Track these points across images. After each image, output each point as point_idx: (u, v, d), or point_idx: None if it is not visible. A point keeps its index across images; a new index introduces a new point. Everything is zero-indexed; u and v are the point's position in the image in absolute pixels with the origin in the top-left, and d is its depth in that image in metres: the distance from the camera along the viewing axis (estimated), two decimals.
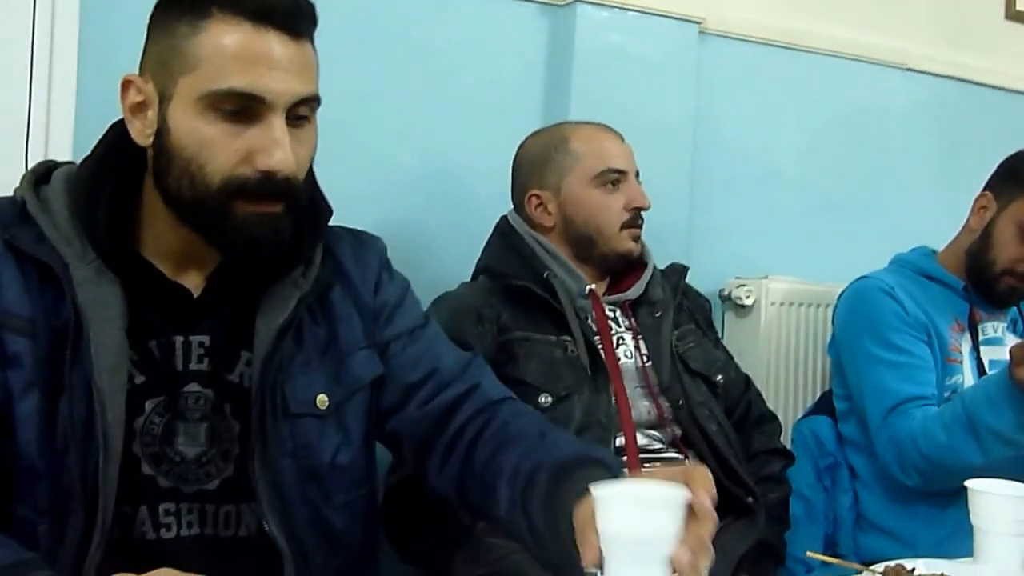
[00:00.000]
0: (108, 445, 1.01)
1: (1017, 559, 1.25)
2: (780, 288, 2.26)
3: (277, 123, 1.01)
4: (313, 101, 1.07)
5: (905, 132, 2.57)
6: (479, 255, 1.72)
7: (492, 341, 1.53)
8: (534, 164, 1.70)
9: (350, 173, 1.80)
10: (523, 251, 1.64)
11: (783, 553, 1.64)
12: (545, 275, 1.59)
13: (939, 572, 1.17)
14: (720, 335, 2.28)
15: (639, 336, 1.63)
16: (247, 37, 1.00)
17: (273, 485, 1.09)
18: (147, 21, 1.07)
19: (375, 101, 1.90)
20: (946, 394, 1.79)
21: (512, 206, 1.75)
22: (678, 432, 1.58)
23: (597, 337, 1.58)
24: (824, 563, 1.35)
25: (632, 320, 1.65)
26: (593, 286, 1.62)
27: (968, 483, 1.29)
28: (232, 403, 1.11)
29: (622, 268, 1.70)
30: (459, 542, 1.36)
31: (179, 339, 1.09)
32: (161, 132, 1.03)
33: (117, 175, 1.07)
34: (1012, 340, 1.91)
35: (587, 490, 0.87)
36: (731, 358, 1.82)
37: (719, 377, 1.69)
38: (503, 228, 1.70)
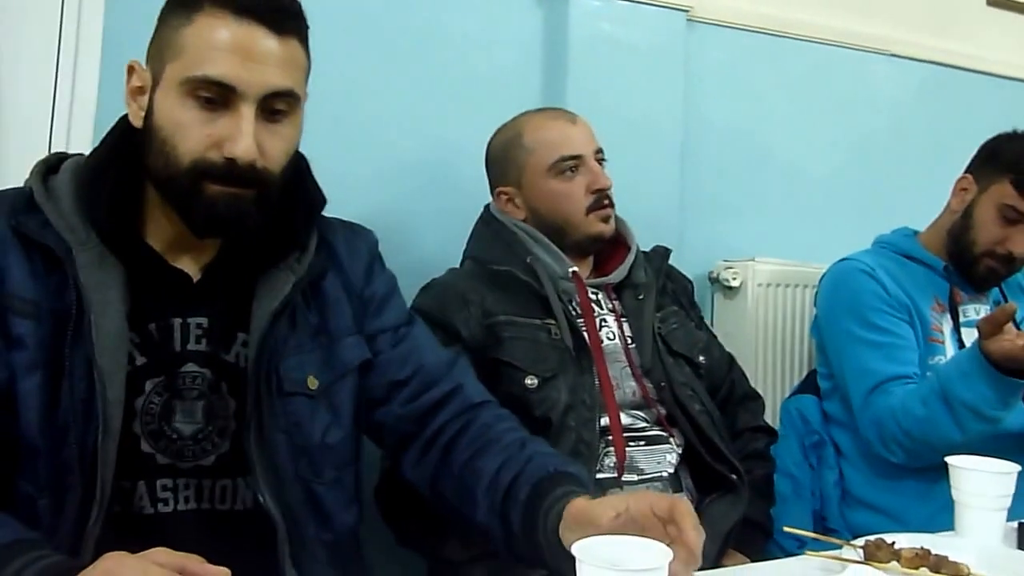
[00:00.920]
0: (107, 423, 1.02)
1: (997, 533, 1.26)
2: (767, 270, 2.26)
3: (246, 113, 1.04)
4: (290, 96, 1.08)
5: (890, 117, 2.56)
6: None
7: (478, 324, 1.52)
8: (496, 162, 1.70)
9: (348, 160, 1.80)
10: (506, 237, 1.63)
11: (770, 527, 1.63)
12: (528, 260, 1.57)
13: (920, 546, 1.16)
14: (710, 316, 2.29)
15: (622, 318, 1.62)
16: (229, 29, 1.03)
17: (268, 460, 1.11)
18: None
19: (372, 90, 1.89)
20: (928, 373, 1.78)
21: None
22: (663, 412, 1.57)
23: (580, 320, 1.56)
24: (813, 538, 1.35)
25: (615, 303, 1.64)
26: (576, 269, 1.60)
27: (949, 459, 1.30)
28: (228, 382, 1.13)
29: (600, 249, 1.69)
30: (452, 525, 1.35)
31: (178, 321, 1.11)
32: (149, 114, 1.07)
33: (121, 163, 1.10)
34: None
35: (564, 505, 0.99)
36: (714, 338, 1.82)
37: (701, 358, 1.68)
38: (486, 216, 1.69)
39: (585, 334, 1.54)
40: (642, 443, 1.53)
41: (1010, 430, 1.77)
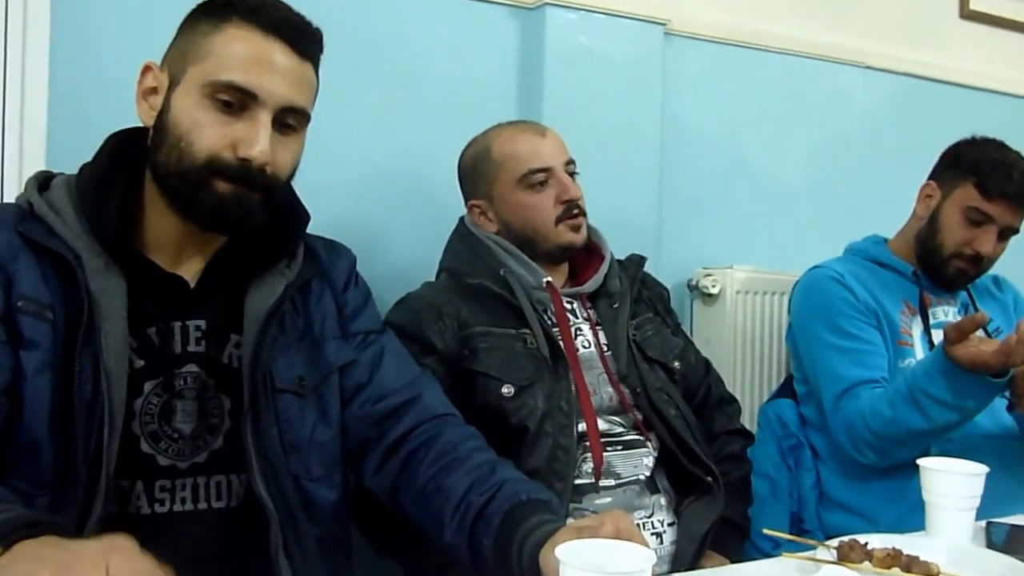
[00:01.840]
0: (112, 424, 1.05)
1: (966, 532, 1.26)
2: (744, 277, 2.26)
3: (263, 119, 1.09)
4: (301, 114, 1.14)
5: (865, 127, 2.57)
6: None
7: (453, 337, 1.52)
8: (467, 176, 1.70)
9: (322, 170, 1.74)
10: (479, 250, 1.62)
11: (747, 528, 1.63)
12: (501, 272, 1.57)
13: (891, 546, 1.16)
14: (689, 323, 2.30)
15: (598, 326, 1.62)
16: (255, 42, 1.10)
17: (262, 454, 1.14)
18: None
19: (345, 99, 1.85)
20: (899, 361, 1.81)
21: None
22: (639, 416, 1.56)
23: (556, 329, 1.56)
24: (789, 540, 1.35)
25: (590, 311, 1.63)
26: (550, 279, 1.59)
27: (920, 461, 1.30)
28: (222, 381, 1.16)
29: (575, 259, 1.69)
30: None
31: (177, 324, 1.14)
32: (163, 111, 1.11)
33: (121, 175, 1.14)
34: None
35: (541, 534, 1.02)
36: (691, 344, 1.81)
37: (677, 363, 1.67)
38: (461, 229, 1.68)
39: (561, 342, 1.53)
40: (619, 447, 1.53)
41: (981, 432, 1.78)
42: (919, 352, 1.85)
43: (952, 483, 1.26)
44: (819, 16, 2.54)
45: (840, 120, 2.53)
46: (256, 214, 1.12)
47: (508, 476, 1.18)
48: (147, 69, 1.14)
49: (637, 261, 1.74)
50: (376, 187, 1.89)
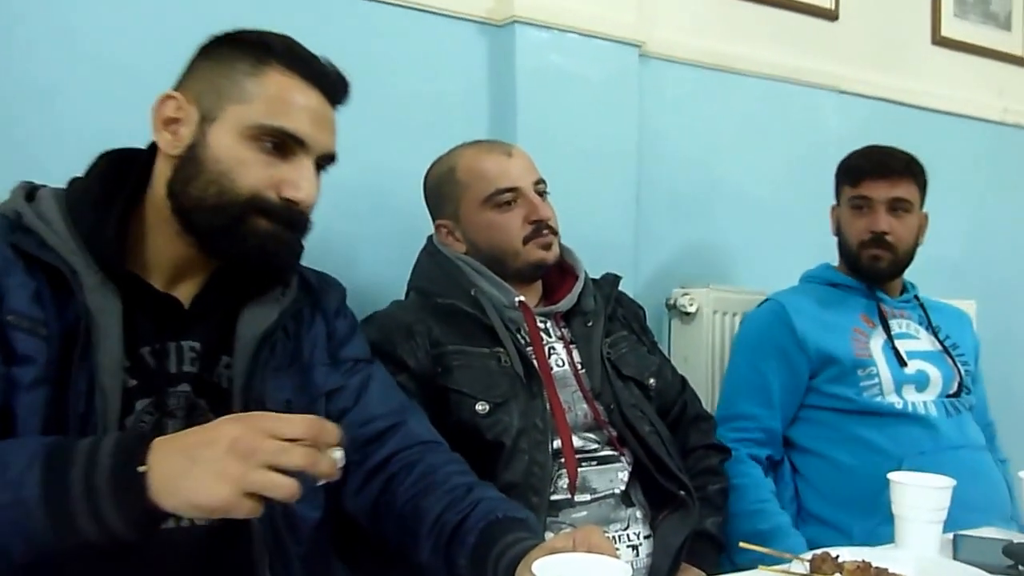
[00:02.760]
0: None
1: (934, 544, 1.27)
2: (721, 297, 2.26)
3: (308, 164, 1.13)
4: (332, 159, 1.19)
5: (838, 149, 2.52)
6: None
7: (426, 355, 1.49)
8: (433, 195, 1.68)
9: None
10: (449, 269, 1.59)
11: (723, 541, 1.62)
12: (472, 292, 1.55)
13: (861, 559, 1.17)
14: (667, 341, 2.30)
15: (572, 345, 1.60)
16: (300, 90, 1.13)
17: None
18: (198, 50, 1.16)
19: None
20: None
21: None
22: (614, 433, 1.55)
23: (530, 348, 1.54)
24: (766, 553, 1.35)
25: (564, 330, 1.62)
26: (523, 298, 1.57)
27: (890, 475, 1.32)
28: (212, 401, 1.15)
29: (547, 277, 1.68)
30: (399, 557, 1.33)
31: (172, 345, 1.13)
32: (196, 146, 1.10)
33: (121, 197, 1.12)
34: (926, 336, 1.98)
35: (517, 551, 1.03)
36: (668, 361, 1.81)
37: (651, 381, 1.66)
38: (430, 248, 1.66)
39: (535, 361, 1.52)
40: (594, 463, 1.52)
41: (949, 445, 1.80)
42: (880, 362, 1.89)
43: (919, 496, 1.27)
44: (793, 40, 2.56)
45: (814, 142, 2.55)
46: (293, 252, 1.16)
47: (484, 495, 1.18)
48: (169, 97, 1.12)
49: (612, 280, 1.73)
50: (344, 203, 1.84)
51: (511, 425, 1.46)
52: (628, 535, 1.51)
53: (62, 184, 1.14)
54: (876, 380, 1.86)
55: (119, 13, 1.65)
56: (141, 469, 0.87)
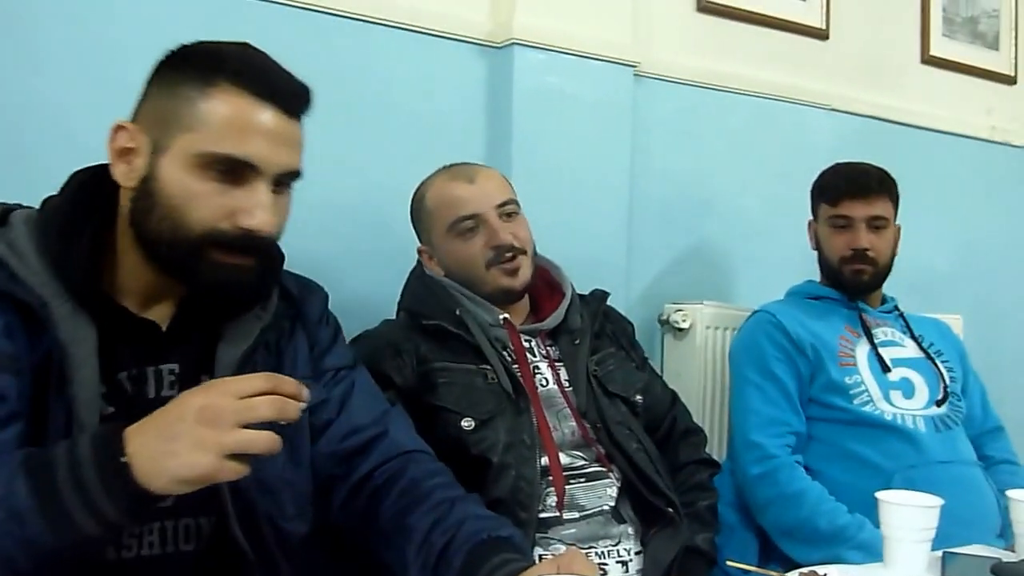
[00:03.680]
0: None
1: (921, 563, 1.26)
2: (714, 312, 2.26)
3: (263, 188, 1.05)
4: (295, 175, 1.11)
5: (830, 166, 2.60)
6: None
7: (412, 372, 1.49)
8: (414, 221, 1.69)
9: (293, 208, 1.77)
10: (435, 290, 1.59)
11: (714, 556, 1.60)
12: (457, 311, 1.55)
13: None
14: (659, 357, 2.30)
15: (558, 363, 1.60)
16: (248, 109, 1.04)
17: (237, 495, 1.10)
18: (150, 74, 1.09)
19: (312, 135, 1.82)
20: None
21: None
22: (601, 450, 1.54)
23: (516, 366, 1.53)
24: (755, 571, 1.35)
25: (550, 348, 1.61)
26: (507, 316, 1.57)
27: (877, 494, 1.30)
28: None
29: (534, 295, 1.68)
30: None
31: (151, 369, 1.10)
32: (149, 179, 1.04)
33: (89, 218, 1.07)
34: (910, 343, 1.99)
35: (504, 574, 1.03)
36: (658, 377, 1.80)
37: (638, 397, 1.65)
38: (417, 270, 1.66)
39: (521, 378, 1.52)
40: (582, 480, 1.51)
41: (938, 461, 1.80)
42: (864, 369, 1.90)
43: (907, 516, 1.26)
44: (785, 59, 2.57)
45: (806, 160, 2.50)
46: (252, 279, 1.08)
47: (468, 513, 1.16)
48: (120, 128, 1.06)
49: (599, 296, 1.72)
50: (341, 222, 1.86)
51: (497, 441, 1.45)
52: (618, 551, 1.50)
53: None
54: (863, 388, 1.87)
55: (130, 31, 1.66)
56: (123, 460, 0.88)
